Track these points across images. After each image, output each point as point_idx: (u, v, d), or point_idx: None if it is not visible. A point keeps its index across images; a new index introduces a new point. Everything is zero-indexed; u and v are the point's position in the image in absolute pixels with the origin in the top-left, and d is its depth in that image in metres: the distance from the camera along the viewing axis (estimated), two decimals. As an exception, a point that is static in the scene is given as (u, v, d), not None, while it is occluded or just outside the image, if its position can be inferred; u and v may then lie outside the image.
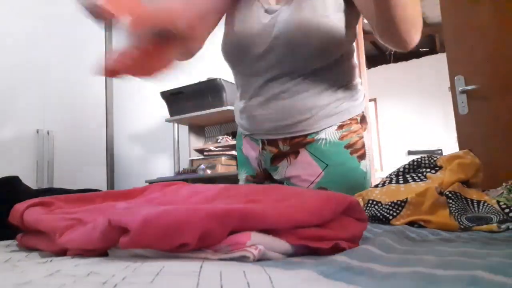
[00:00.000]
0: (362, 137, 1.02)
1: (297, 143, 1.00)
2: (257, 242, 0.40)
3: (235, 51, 1.01)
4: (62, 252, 0.47)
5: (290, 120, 0.97)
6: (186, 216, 0.38)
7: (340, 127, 0.99)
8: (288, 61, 0.94)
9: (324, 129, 0.98)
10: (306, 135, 0.99)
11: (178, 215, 0.38)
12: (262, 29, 0.95)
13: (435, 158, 0.98)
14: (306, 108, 0.96)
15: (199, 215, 0.38)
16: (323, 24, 0.89)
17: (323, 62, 0.95)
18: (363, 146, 1.02)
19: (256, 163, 1.10)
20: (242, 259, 0.39)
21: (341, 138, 0.99)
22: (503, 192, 0.89)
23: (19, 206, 0.55)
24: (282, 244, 0.43)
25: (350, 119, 1.01)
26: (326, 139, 0.98)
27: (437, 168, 0.95)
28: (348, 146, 0.99)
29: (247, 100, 1.03)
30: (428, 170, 0.96)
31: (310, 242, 0.44)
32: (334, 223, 0.47)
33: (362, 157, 1.01)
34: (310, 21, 0.89)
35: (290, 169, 1.02)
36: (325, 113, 0.98)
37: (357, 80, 1.05)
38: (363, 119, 1.04)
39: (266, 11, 0.96)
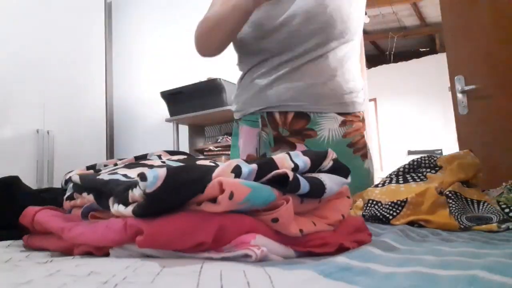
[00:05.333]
0: (363, 136, 1.01)
1: (297, 131, 0.98)
2: (261, 243, 0.40)
3: (250, 30, 1.01)
4: (69, 250, 0.47)
5: (298, 93, 0.96)
6: (201, 218, 0.39)
7: (343, 123, 0.98)
8: (302, 35, 0.95)
9: (325, 114, 0.97)
10: (308, 120, 0.97)
11: (193, 218, 0.39)
12: (278, 5, 0.97)
13: (435, 158, 0.98)
14: (315, 86, 0.96)
15: (214, 216, 0.39)
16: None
17: (338, 37, 0.96)
18: (365, 145, 1.01)
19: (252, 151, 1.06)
20: (243, 259, 0.39)
21: (344, 135, 0.98)
22: (503, 192, 0.89)
23: (32, 208, 0.55)
24: (285, 250, 0.43)
25: (353, 115, 1.00)
26: (329, 136, 0.97)
27: (437, 168, 0.95)
28: (350, 145, 0.98)
29: (258, 77, 1.02)
30: (428, 170, 0.96)
31: (315, 248, 0.44)
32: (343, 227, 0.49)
33: (365, 156, 1.00)
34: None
35: None
36: (331, 96, 0.97)
37: (362, 82, 1.05)
38: (363, 120, 1.04)
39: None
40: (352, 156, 0.98)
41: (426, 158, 0.99)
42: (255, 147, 1.05)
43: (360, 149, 0.99)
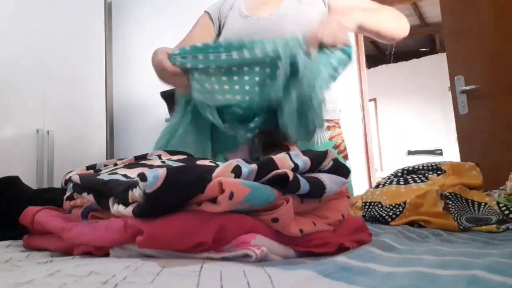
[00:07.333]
0: (344, 140, 1.11)
1: None
2: (261, 243, 0.40)
3: None
4: (69, 250, 0.47)
5: None
6: (201, 218, 0.39)
7: (328, 128, 1.07)
8: None
9: None
10: None
11: (193, 218, 0.39)
12: (246, 24, 1.08)
13: (438, 165, 0.97)
14: None
15: (214, 216, 0.39)
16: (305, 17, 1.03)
17: None
18: (345, 148, 1.11)
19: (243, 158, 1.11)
20: (244, 259, 0.39)
21: (330, 138, 1.07)
22: (501, 194, 0.88)
23: (32, 208, 0.55)
24: (286, 250, 0.43)
25: (334, 122, 1.09)
26: (319, 137, 1.05)
27: (439, 172, 0.95)
28: (335, 147, 1.07)
29: None
30: (431, 172, 0.96)
31: (315, 248, 0.44)
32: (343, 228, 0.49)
33: (346, 157, 1.10)
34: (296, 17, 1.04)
35: None
36: None
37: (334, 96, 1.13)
38: (340, 126, 1.13)
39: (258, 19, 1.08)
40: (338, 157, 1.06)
41: (430, 165, 0.99)
42: (248, 150, 1.09)
43: (343, 151, 1.09)
